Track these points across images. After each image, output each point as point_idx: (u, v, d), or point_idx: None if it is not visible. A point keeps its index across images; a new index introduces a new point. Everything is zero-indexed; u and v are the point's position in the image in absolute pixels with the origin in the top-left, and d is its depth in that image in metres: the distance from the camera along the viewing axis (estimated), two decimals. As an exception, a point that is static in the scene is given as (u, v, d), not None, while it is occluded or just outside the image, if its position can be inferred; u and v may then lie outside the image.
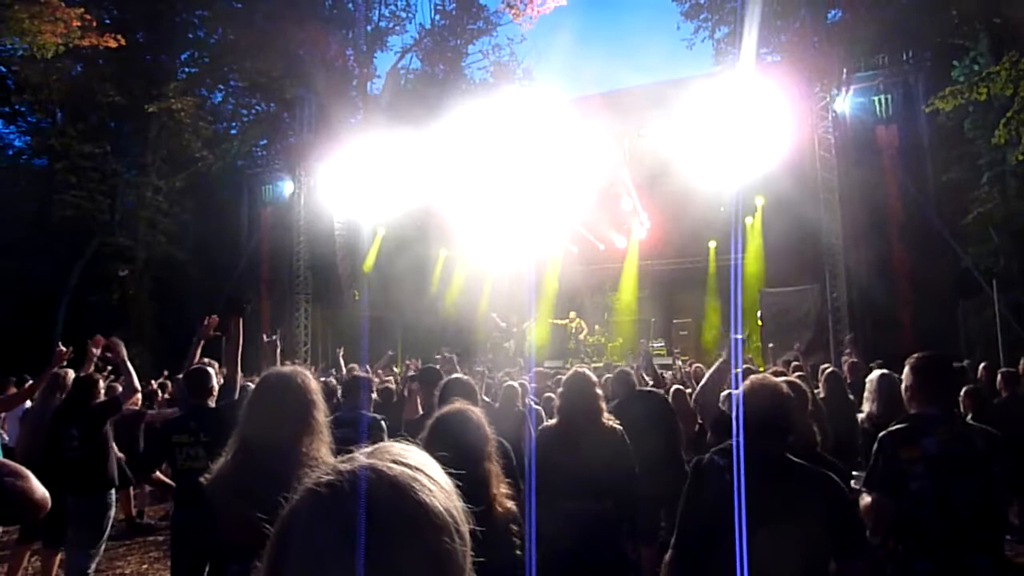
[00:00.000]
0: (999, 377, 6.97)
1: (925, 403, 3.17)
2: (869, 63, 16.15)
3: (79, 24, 13.83)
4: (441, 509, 0.81)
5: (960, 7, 15.49)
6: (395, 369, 14.91)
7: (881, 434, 3.12)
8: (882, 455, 3.07)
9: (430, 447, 2.29)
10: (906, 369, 3.30)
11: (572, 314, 18.33)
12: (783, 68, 15.52)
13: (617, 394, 5.72)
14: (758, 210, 16.72)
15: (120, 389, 5.82)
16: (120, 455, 7.41)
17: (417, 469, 0.85)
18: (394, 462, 0.85)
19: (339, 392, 5.83)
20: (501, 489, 2.37)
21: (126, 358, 5.33)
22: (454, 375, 4.19)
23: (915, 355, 3.30)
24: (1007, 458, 3.13)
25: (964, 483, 2.97)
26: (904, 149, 15.42)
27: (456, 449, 2.19)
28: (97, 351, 5.59)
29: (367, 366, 10.62)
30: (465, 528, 0.86)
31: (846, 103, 15.15)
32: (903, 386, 3.36)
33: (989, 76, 11.35)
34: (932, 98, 12.28)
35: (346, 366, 10.52)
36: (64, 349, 5.73)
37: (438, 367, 5.22)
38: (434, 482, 0.85)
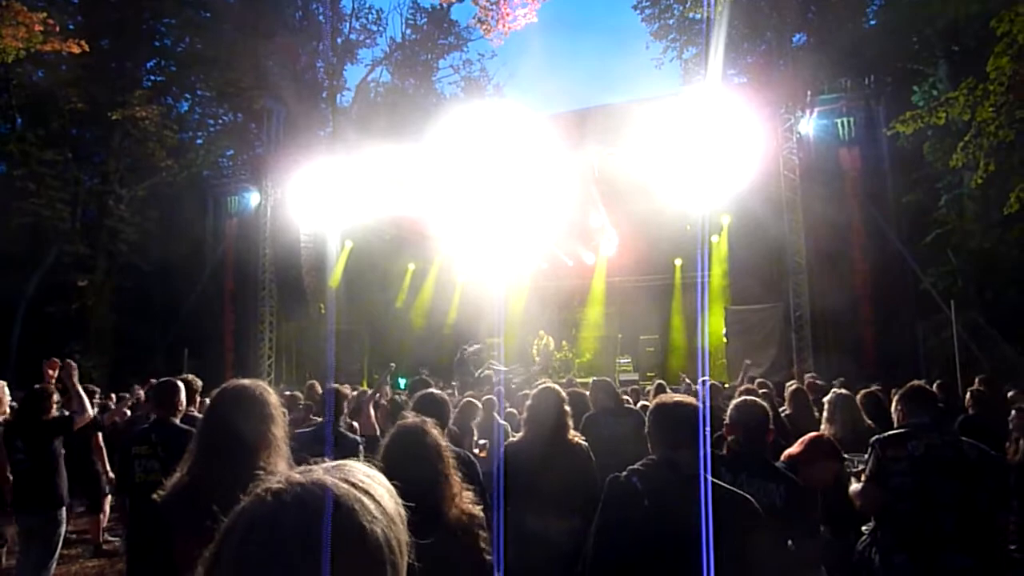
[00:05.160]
0: (967, 395, 7.07)
1: (913, 415, 3.58)
2: (833, 86, 16.49)
3: (42, 29, 13.47)
4: (379, 537, 0.82)
5: (919, 35, 15.94)
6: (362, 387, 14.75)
7: (873, 438, 3.52)
8: (873, 454, 3.46)
9: (386, 461, 2.26)
10: (895, 397, 3.78)
11: (541, 332, 18.28)
12: (749, 89, 15.77)
13: (597, 403, 5.73)
14: (724, 229, 16.91)
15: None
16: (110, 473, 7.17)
17: (366, 492, 0.85)
18: (344, 481, 0.85)
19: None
20: (465, 495, 2.33)
21: (77, 382, 5.18)
22: (427, 390, 4.17)
23: (906, 385, 3.80)
24: (999, 472, 3.56)
25: (946, 484, 3.23)
26: (865, 171, 15.74)
27: (411, 464, 2.17)
28: (54, 373, 5.38)
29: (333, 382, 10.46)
30: (403, 561, 0.86)
31: (810, 125, 15.40)
32: (895, 407, 3.78)
33: (947, 101, 11.58)
34: (893, 121, 12.52)
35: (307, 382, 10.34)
36: None
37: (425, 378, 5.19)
38: (381, 509, 0.85)
